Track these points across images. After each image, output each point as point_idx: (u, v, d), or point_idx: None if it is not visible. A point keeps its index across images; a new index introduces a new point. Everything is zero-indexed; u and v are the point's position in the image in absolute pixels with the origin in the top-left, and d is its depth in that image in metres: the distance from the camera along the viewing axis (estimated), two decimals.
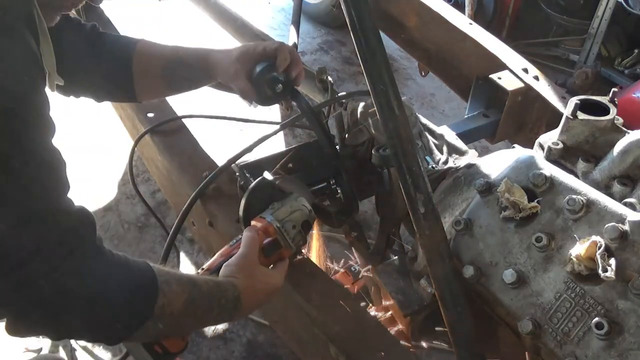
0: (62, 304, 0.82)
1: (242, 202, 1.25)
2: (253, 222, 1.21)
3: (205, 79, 1.46)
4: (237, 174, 1.51)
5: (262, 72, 1.35)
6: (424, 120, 1.61)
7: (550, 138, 1.30)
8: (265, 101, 1.41)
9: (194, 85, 1.49)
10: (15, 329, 0.84)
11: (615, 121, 1.24)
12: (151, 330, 0.93)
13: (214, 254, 1.18)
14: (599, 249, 0.99)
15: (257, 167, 1.54)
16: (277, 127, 1.64)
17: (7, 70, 0.77)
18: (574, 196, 1.06)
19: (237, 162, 1.48)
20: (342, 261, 2.21)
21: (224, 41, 2.92)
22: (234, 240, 1.19)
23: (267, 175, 1.27)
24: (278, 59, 1.35)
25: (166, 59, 1.43)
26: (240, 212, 1.25)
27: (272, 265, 1.19)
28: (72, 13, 2.06)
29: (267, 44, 1.39)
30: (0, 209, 0.75)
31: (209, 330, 2.17)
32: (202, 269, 1.15)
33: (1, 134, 0.75)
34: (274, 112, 3.19)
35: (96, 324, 0.88)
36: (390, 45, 2.66)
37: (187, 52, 1.45)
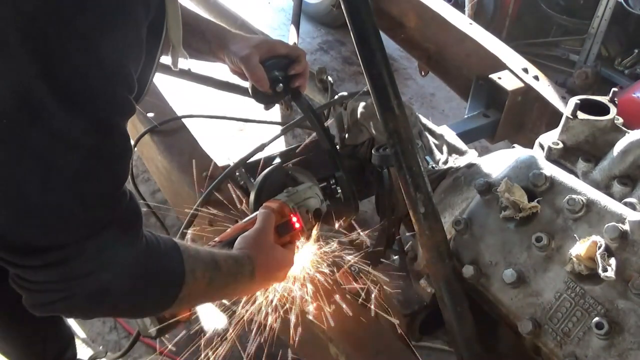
0: (101, 284, 0.82)
1: (256, 185, 1.27)
2: (267, 203, 1.21)
3: (213, 55, 1.41)
4: (237, 173, 1.51)
5: (271, 65, 1.34)
6: (424, 120, 1.61)
7: (550, 138, 1.30)
8: (263, 98, 1.40)
9: (201, 56, 1.44)
10: (41, 301, 0.82)
11: (615, 121, 1.24)
12: (169, 311, 0.97)
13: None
14: (599, 248, 0.99)
15: (257, 166, 1.54)
16: (278, 127, 1.64)
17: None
18: (574, 196, 1.06)
19: (234, 162, 1.48)
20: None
21: None
22: (248, 217, 1.20)
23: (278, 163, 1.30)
24: (295, 63, 1.35)
25: (188, 26, 1.38)
26: (252, 195, 1.26)
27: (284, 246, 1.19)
28: None
29: (293, 47, 1.40)
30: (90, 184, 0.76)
31: (209, 330, 2.17)
32: (215, 240, 1.15)
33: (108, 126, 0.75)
34: (274, 112, 3.20)
35: (118, 311, 0.93)
36: (390, 45, 2.66)
37: (208, 26, 1.41)
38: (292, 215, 1.19)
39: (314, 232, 1.28)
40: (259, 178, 1.28)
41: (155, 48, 1.02)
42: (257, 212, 1.16)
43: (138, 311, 0.97)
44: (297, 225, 1.19)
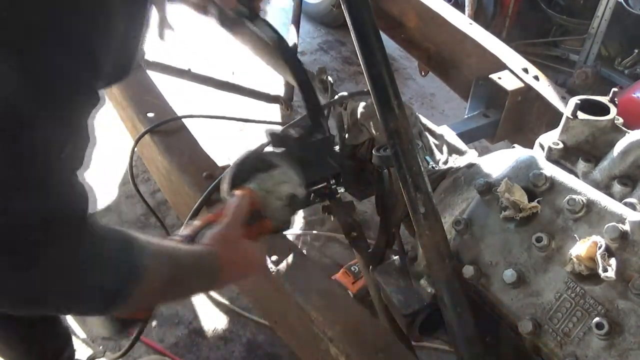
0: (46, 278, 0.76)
1: (228, 173, 1.20)
2: (236, 192, 1.15)
3: None
4: None
5: None
6: (424, 120, 1.61)
7: (551, 138, 1.30)
8: (229, 24, 1.38)
9: None
10: None
11: (615, 121, 1.24)
12: (124, 309, 0.91)
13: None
14: (599, 249, 0.98)
15: None
16: (278, 127, 1.63)
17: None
18: (574, 196, 1.06)
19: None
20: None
21: (224, 41, 2.92)
22: (218, 208, 1.13)
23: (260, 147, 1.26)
24: None
25: None
26: (224, 185, 1.19)
27: (253, 238, 1.12)
28: None
29: None
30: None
31: (209, 330, 2.17)
32: (182, 235, 1.08)
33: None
34: (274, 112, 3.20)
35: (68, 306, 0.87)
36: (390, 45, 2.66)
37: None
38: (259, 204, 1.13)
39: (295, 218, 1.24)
40: (232, 166, 1.21)
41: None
42: (226, 203, 1.11)
43: (82, 309, 0.92)
44: (263, 214, 1.13)
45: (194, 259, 0.99)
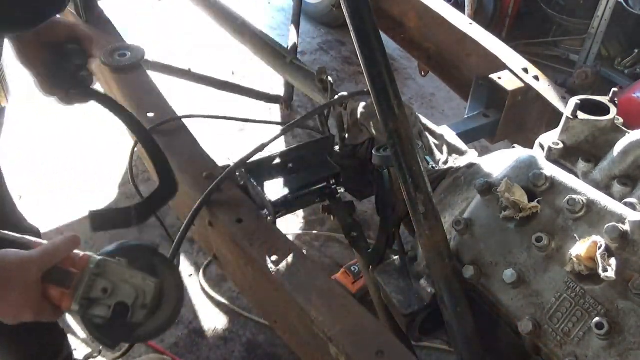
0: None
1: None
2: (68, 235, 0.95)
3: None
4: (237, 174, 1.51)
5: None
6: (424, 120, 1.61)
7: (550, 138, 1.30)
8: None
9: None
10: None
11: (615, 121, 1.24)
12: None
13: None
14: (599, 249, 0.99)
15: (257, 166, 1.54)
16: (278, 127, 1.63)
17: None
18: (574, 196, 1.06)
19: (234, 162, 1.48)
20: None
21: (224, 41, 2.92)
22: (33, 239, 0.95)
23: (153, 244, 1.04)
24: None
25: None
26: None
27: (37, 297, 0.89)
28: (72, 13, 2.06)
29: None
30: None
31: (209, 330, 2.17)
32: None
33: None
34: (274, 112, 3.20)
35: None
36: (390, 45, 2.66)
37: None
38: (82, 273, 0.92)
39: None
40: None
41: None
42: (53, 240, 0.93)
43: None
44: (70, 283, 0.91)
45: None
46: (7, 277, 0.85)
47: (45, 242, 0.94)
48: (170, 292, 1.00)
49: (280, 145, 2.70)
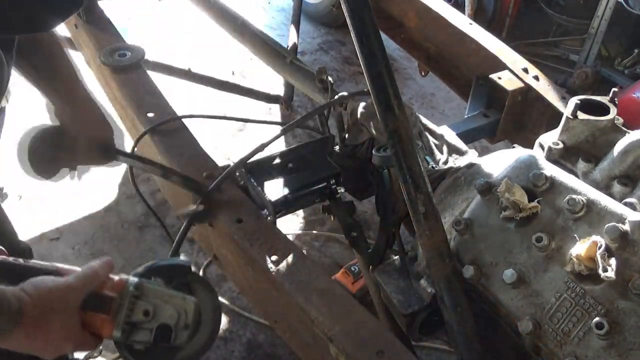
0: None
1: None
2: (101, 261, 0.91)
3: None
4: (238, 174, 1.51)
5: None
6: (424, 120, 1.61)
7: (551, 138, 1.30)
8: None
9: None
10: None
11: (615, 121, 1.24)
12: None
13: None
14: (599, 248, 0.99)
15: (257, 166, 1.54)
16: (278, 127, 1.64)
17: None
18: (574, 196, 1.06)
19: (234, 162, 1.48)
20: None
21: (224, 41, 2.92)
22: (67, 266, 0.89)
23: (188, 262, 1.00)
24: None
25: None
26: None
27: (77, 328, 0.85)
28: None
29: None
30: None
31: None
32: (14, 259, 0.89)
33: None
34: (274, 112, 3.20)
35: None
36: (390, 45, 2.66)
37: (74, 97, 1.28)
38: (121, 297, 0.87)
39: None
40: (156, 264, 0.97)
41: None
42: (81, 268, 0.88)
43: None
44: (111, 308, 0.87)
45: None
46: (50, 307, 0.79)
47: (76, 267, 0.88)
48: (207, 311, 0.96)
49: (280, 145, 2.70)
